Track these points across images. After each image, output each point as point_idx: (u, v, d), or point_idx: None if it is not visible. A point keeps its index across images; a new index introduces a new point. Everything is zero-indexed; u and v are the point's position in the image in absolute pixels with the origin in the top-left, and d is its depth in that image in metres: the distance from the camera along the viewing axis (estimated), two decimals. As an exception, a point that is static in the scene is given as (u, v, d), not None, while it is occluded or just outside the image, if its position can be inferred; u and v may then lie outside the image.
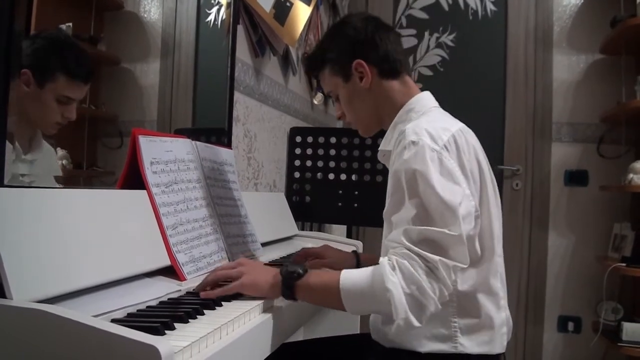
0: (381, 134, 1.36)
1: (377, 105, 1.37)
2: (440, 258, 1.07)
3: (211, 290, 1.11)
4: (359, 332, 2.04)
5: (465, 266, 1.13)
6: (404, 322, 1.06)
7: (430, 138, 1.16)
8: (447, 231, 1.09)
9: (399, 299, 1.05)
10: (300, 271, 1.15)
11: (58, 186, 1.25)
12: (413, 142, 1.16)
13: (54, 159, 1.28)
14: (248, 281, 1.14)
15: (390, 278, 1.06)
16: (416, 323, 1.06)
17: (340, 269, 1.15)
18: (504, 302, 1.29)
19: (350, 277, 1.12)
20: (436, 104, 1.37)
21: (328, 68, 1.40)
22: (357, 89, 1.36)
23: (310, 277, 1.15)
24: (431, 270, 1.07)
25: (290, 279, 1.14)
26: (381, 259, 1.11)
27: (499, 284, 1.28)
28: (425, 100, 1.36)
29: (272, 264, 1.53)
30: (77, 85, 1.24)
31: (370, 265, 1.17)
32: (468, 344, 1.21)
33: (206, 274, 1.21)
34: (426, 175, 1.12)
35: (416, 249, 1.08)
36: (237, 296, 1.12)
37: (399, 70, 1.37)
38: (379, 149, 1.38)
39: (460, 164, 1.18)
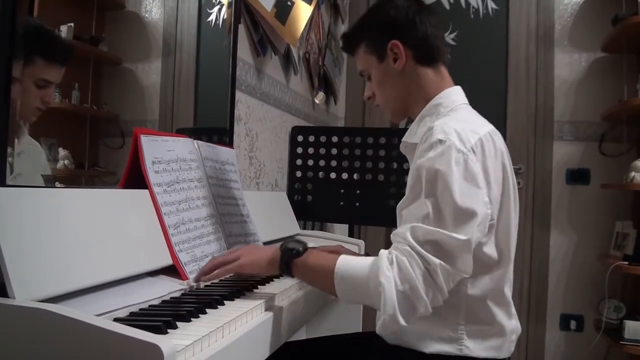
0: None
1: (407, 90, 1.33)
2: (441, 262, 1.06)
3: (212, 273, 1.14)
4: (361, 330, 2.04)
5: (467, 276, 1.12)
6: (390, 318, 1.05)
7: (459, 139, 1.13)
8: (455, 235, 1.07)
9: (390, 295, 1.04)
10: (300, 249, 1.16)
11: (50, 185, 1.24)
12: (440, 141, 1.13)
13: (41, 155, 1.26)
14: (246, 260, 1.16)
15: (385, 272, 1.05)
16: (402, 322, 1.05)
17: None
18: (514, 310, 1.28)
19: (347, 263, 1.12)
20: (465, 100, 1.34)
21: (363, 46, 1.36)
22: (390, 71, 1.32)
23: (309, 257, 1.15)
24: (429, 273, 1.06)
25: (289, 256, 1.15)
26: (381, 251, 1.10)
27: (510, 292, 1.27)
28: (455, 95, 1.33)
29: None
30: (54, 67, 1.23)
31: None
32: (474, 348, 1.20)
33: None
34: (447, 177, 1.10)
35: (419, 248, 1.07)
36: (239, 295, 1.12)
37: (435, 58, 1.33)
38: (402, 140, 1.35)
39: (484, 168, 1.15)
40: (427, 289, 1.05)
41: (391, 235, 1.19)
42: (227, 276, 1.25)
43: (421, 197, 1.12)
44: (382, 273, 1.05)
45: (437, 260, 1.06)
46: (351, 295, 1.13)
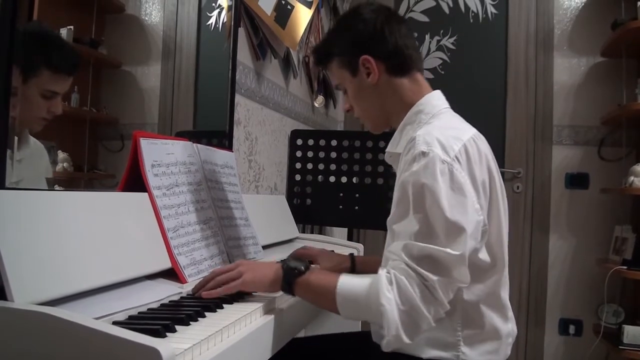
0: (382, 135, 1.35)
1: (384, 102, 1.32)
2: (439, 277, 1.06)
3: (213, 290, 1.10)
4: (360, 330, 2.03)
5: (465, 285, 1.13)
6: (394, 338, 1.05)
7: (442, 148, 1.12)
8: (449, 250, 1.07)
9: (392, 315, 1.04)
10: (302, 268, 1.15)
11: (48, 188, 1.24)
12: (423, 153, 1.12)
13: (45, 158, 1.25)
14: (249, 278, 1.14)
15: (385, 293, 1.05)
16: (406, 340, 1.05)
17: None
18: (511, 313, 1.28)
19: (348, 283, 1.11)
20: (447, 104, 1.33)
21: (336, 61, 1.35)
22: (364, 85, 1.31)
23: (310, 276, 1.14)
24: (428, 290, 1.06)
25: (291, 275, 1.14)
26: (380, 270, 1.10)
27: (507, 295, 1.27)
28: (435, 100, 1.31)
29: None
30: (61, 78, 1.22)
31: (367, 268, 1.16)
32: (471, 354, 1.20)
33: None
34: (434, 190, 1.09)
35: (415, 266, 1.06)
36: (237, 298, 1.11)
37: (409, 67, 1.31)
38: (386, 150, 1.35)
39: (471, 175, 1.15)
40: (428, 306, 1.05)
41: (386, 252, 1.19)
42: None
43: (410, 213, 1.11)
44: (382, 294, 1.05)
45: (434, 277, 1.05)
46: (353, 314, 1.13)
